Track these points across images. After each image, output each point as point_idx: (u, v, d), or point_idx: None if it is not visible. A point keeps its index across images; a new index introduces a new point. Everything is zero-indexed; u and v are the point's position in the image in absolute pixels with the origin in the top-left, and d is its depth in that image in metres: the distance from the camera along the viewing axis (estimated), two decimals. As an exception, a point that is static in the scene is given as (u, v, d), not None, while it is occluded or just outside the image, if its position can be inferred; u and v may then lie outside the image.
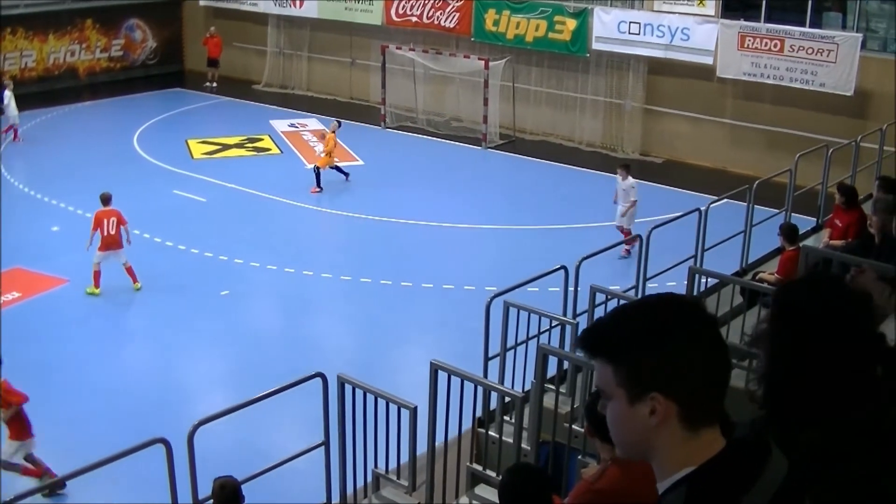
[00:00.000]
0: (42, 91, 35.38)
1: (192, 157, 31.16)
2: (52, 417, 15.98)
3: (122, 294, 20.80)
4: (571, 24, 30.96)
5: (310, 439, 11.43)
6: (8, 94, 32.47)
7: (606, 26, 30.18)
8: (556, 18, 31.21)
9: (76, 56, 42.37)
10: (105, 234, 20.68)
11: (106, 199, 21.16)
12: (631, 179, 22.24)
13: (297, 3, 38.06)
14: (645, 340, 2.76)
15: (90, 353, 18.35)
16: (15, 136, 32.59)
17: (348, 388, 10.85)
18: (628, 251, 20.94)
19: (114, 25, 43.16)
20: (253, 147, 32.32)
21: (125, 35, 43.71)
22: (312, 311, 19.95)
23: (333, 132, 28.03)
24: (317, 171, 27.21)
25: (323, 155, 27.73)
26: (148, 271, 21.78)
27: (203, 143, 32.58)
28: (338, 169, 27.72)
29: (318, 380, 10.90)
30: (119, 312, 20.07)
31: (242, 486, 9.78)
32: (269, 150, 31.82)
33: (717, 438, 2.81)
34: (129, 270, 20.75)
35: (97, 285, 20.61)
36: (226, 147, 32.26)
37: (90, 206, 25.09)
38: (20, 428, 13.78)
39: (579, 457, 10.49)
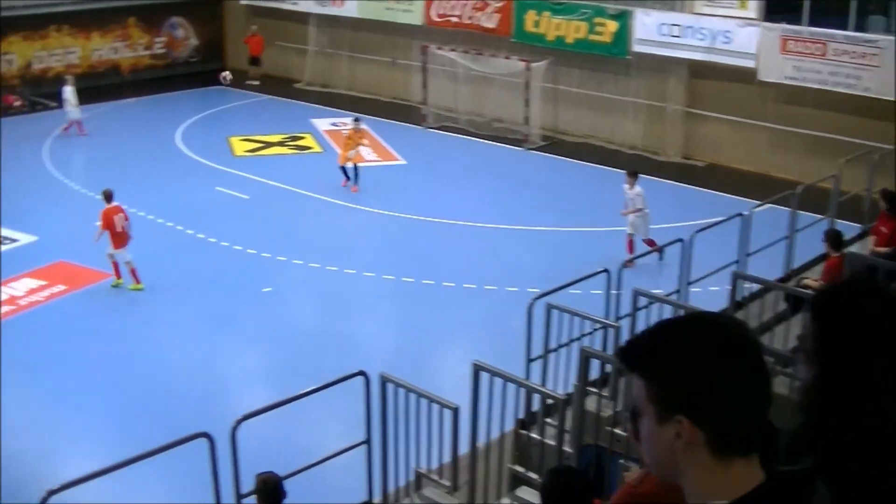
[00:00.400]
0: (86, 88, 35.56)
1: (234, 154, 31.34)
2: (95, 410, 16.15)
3: (165, 289, 20.94)
4: (612, 26, 30.88)
5: (351, 437, 11.49)
6: (69, 89, 32.87)
7: (647, 28, 30.08)
8: (597, 20, 31.13)
9: (119, 53, 42.72)
10: (119, 230, 20.84)
11: (110, 196, 21.24)
12: (638, 188, 21.99)
13: (338, 2, 38.16)
14: (678, 361, 2.68)
15: (133, 347, 18.49)
16: (68, 128, 33.02)
17: (390, 386, 10.90)
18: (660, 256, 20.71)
19: (156, 23, 43.47)
20: (295, 145, 32.44)
21: (167, 33, 44.00)
22: (354, 310, 19.95)
23: (356, 130, 28.04)
24: (355, 168, 27.29)
25: (355, 152, 27.63)
26: (191, 267, 21.97)
27: (245, 140, 32.74)
28: (343, 170, 27.60)
29: (360, 378, 10.97)
30: (162, 307, 20.17)
31: (284, 482, 9.83)
32: (310, 148, 31.93)
33: (752, 472, 2.69)
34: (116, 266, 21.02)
35: (138, 280, 20.77)
36: (268, 145, 32.40)
37: (134, 202, 25.36)
38: None
39: (621, 461, 10.49)
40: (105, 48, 42.29)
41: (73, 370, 17.53)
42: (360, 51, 38.80)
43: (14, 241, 23.90)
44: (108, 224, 20.72)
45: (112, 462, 9.75)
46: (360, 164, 27.60)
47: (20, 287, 21.12)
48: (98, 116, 34.20)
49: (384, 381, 10.93)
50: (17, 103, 38.33)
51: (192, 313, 19.86)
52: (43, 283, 21.17)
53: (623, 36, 30.65)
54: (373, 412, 11.04)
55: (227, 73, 26.84)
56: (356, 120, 28.57)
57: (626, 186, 22.10)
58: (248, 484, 9.94)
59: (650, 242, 21.29)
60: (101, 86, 35.56)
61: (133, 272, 20.81)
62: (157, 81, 41.59)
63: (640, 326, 12.61)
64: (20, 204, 26.16)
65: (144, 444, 10.12)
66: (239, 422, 10.20)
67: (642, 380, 2.74)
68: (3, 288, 21.01)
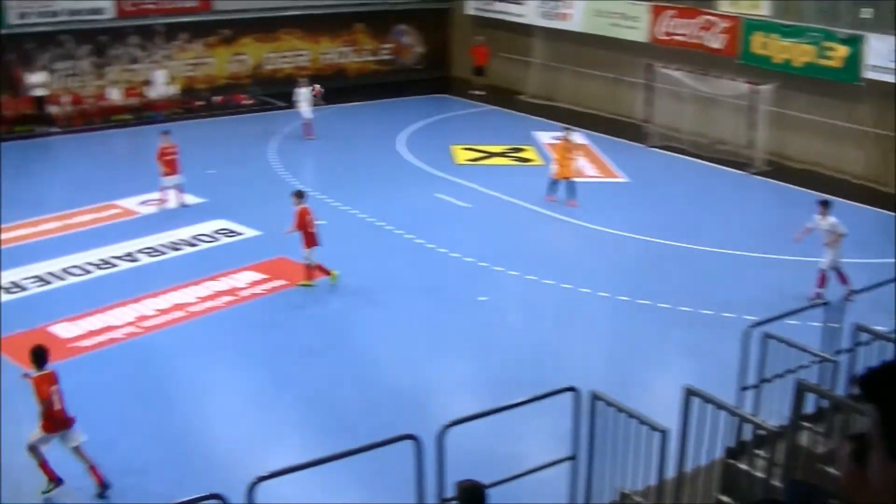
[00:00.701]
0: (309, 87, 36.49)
1: (456, 162, 31.71)
2: (303, 404, 16.55)
3: (381, 290, 21.36)
4: (843, 50, 29.99)
5: (557, 452, 11.53)
6: (303, 91, 33.84)
7: (880, 54, 29.07)
8: (827, 44, 30.27)
9: (346, 58, 43.84)
10: (312, 230, 21.36)
11: (302, 196, 21.76)
12: (832, 218, 20.83)
13: (564, 16, 38.25)
14: None
15: (345, 345, 18.93)
16: (308, 132, 33.99)
17: (600, 404, 10.88)
18: (819, 294, 19.76)
19: (384, 30, 44.47)
20: (516, 157, 32.57)
21: (394, 40, 44.90)
22: (567, 324, 19.88)
23: (568, 140, 27.90)
24: (570, 183, 27.18)
25: (570, 167, 27.44)
26: (408, 271, 22.32)
27: (467, 149, 33.12)
28: (553, 183, 27.44)
29: (570, 393, 10.98)
30: (376, 308, 20.53)
31: (487, 492, 9.89)
32: (531, 160, 31.94)
33: None
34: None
35: (328, 271, 21.51)
36: (489, 155, 32.65)
37: (356, 205, 26.11)
38: (47, 421, 13.95)
39: (832, 501, 10.22)
40: (333, 52, 43.55)
41: (285, 363, 18.03)
42: (584, 65, 38.74)
43: (238, 234, 24.76)
44: (303, 224, 21.25)
45: (314, 456, 10.00)
46: (578, 180, 27.53)
47: (242, 279, 21.87)
48: (324, 119, 35.03)
49: (594, 398, 10.93)
50: (247, 102, 39.66)
51: (407, 316, 20.17)
52: (264, 276, 21.85)
53: (854, 61, 29.71)
54: (580, 428, 11.05)
55: (317, 86, 26.56)
56: (567, 130, 28.51)
57: (819, 217, 21.18)
58: (450, 489, 10.05)
59: (825, 277, 20.51)
60: (327, 89, 36.38)
61: (320, 267, 21.46)
62: (383, 87, 42.45)
63: (861, 363, 12.30)
64: (246, 199, 27.08)
65: (349, 441, 10.37)
66: (447, 427, 10.34)
67: (878, 412, 2.64)
68: (226, 279, 21.81)
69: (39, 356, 13.94)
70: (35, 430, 13.92)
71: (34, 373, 13.91)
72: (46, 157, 34.08)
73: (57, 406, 13.85)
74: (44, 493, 13.94)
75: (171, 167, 26.80)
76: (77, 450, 14.04)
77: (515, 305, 20.85)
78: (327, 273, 21.47)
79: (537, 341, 18.99)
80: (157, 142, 27.03)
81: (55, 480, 14.01)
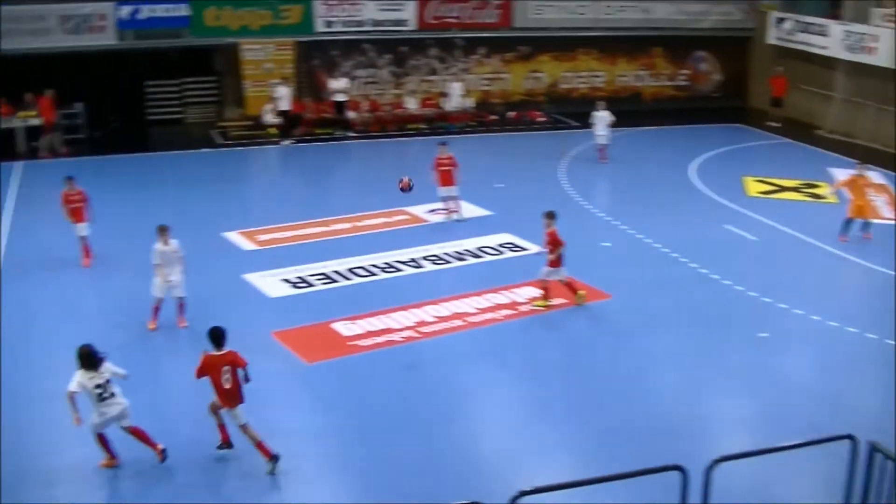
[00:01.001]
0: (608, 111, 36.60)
1: (747, 194, 31.12)
2: (572, 420, 16.58)
3: (661, 316, 21.17)
4: None
5: (825, 500, 11.17)
6: (601, 115, 33.91)
7: None
8: None
9: (642, 81, 43.79)
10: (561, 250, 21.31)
11: (554, 216, 21.61)
12: None
13: (870, 50, 37.01)
14: None
15: (619, 367, 18.83)
16: (602, 155, 34.10)
17: (878, 457, 10.50)
18: None
19: (681, 56, 44.35)
20: (809, 192, 31.60)
21: (692, 66, 44.60)
22: (848, 369, 19.00)
23: (860, 176, 26.85)
24: (865, 222, 26.28)
25: (866, 205, 26.41)
26: (688, 299, 22.13)
27: (759, 181, 32.47)
28: (847, 222, 26.36)
29: (846, 442, 10.63)
30: (654, 333, 20.29)
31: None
32: (825, 198, 30.93)
33: None
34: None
35: (574, 291, 21.53)
36: (782, 189, 31.86)
37: (643, 228, 26.12)
38: (220, 397, 14.67)
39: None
40: (629, 75, 43.65)
41: (555, 380, 18.17)
42: (888, 102, 37.36)
43: (523, 249, 24.99)
44: (557, 243, 21.21)
45: (574, 475, 9.98)
46: (875, 221, 26.56)
47: (522, 294, 22.09)
48: (617, 142, 35.00)
49: (873, 449, 10.55)
50: (541, 119, 40.08)
51: (684, 345, 19.86)
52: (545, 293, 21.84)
53: None
54: (854, 479, 10.68)
55: (407, 177, 26.06)
56: (860, 165, 27.49)
57: None
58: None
59: None
60: (622, 111, 36.32)
61: (551, 287, 21.49)
62: (677, 113, 42.22)
63: None
64: (533, 215, 27.15)
65: (611, 465, 10.29)
66: (716, 462, 10.17)
67: None
68: (507, 293, 22.08)
69: (215, 336, 14.68)
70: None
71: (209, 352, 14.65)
72: (343, 159, 35.43)
73: (226, 385, 14.55)
74: (268, 473, 14.56)
75: (445, 178, 27.29)
76: (244, 427, 14.72)
77: (796, 345, 20.22)
78: (546, 298, 21.54)
79: (815, 383, 18.40)
80: (437, 152, 27.56)
81: (272, 458, 14.62)
